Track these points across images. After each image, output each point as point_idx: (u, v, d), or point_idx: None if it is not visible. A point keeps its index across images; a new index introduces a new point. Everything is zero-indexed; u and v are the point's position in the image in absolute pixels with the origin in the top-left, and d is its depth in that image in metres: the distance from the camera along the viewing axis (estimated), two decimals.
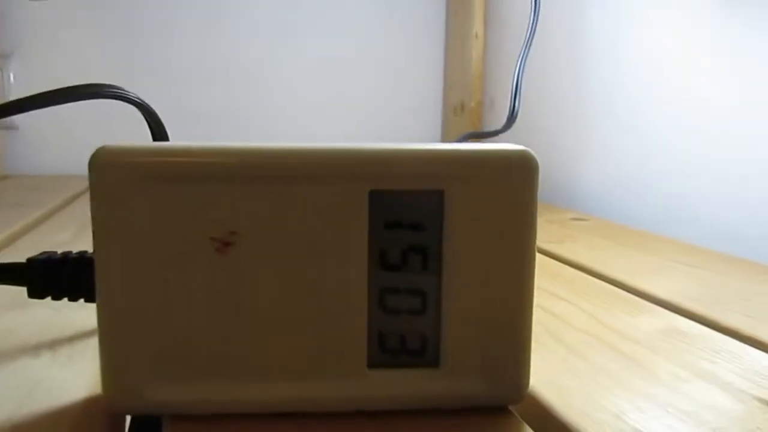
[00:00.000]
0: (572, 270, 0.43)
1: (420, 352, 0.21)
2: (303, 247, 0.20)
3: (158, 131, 0.27)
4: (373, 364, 0.21)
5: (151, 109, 0.27)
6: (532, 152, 0.20)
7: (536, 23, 0.53)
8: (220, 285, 0.20)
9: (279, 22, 1.04)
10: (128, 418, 0.24)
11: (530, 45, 0.53)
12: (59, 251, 0.24)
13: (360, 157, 0.20)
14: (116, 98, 0.25)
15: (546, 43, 0.72)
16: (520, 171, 0.20)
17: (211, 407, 0.20)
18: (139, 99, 0.26)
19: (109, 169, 0.19)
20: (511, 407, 0.22)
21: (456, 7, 1.02)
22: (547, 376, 0.24)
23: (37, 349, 0.26)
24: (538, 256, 0.26)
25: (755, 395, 0.23)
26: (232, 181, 0.19)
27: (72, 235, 0.50)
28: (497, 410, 0.21)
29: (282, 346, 0.20)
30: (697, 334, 0.30)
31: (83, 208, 0.47)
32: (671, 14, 0.61)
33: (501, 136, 0.50)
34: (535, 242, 0.21)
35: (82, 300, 0.24)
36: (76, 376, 0.24)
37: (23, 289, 0.24)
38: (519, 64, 0.52)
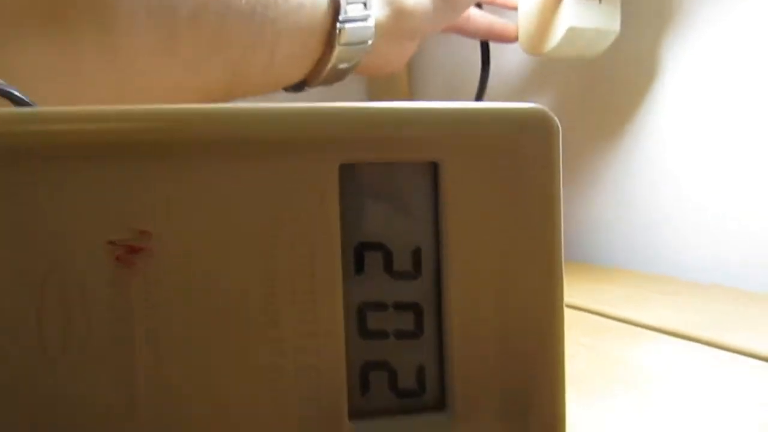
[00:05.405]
0: None
1: (417, 392, 0.15)
2: (247, 251, 0.14)
3: None
4: (356, 414, 0.15)
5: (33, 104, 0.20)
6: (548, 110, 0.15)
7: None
8: (122, 313, 0.13)
9: None
10: None
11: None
12: None
13: (326, 119, 0.14)
14: None
15: None
16: (542, 133, 0.15)
17: None
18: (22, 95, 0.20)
19: None
20: None
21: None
22: (579, 417, 0.18)
23: None
24: None
25: None
26: (139, 157, 0.13)
27: None
28: None
29: (225, 402, 0.14)
30: (724, 358, 0.25)
31: None
32: None
33: None
34: (561, 233, 0.15)
35: None
36: None
37: None
38: None
